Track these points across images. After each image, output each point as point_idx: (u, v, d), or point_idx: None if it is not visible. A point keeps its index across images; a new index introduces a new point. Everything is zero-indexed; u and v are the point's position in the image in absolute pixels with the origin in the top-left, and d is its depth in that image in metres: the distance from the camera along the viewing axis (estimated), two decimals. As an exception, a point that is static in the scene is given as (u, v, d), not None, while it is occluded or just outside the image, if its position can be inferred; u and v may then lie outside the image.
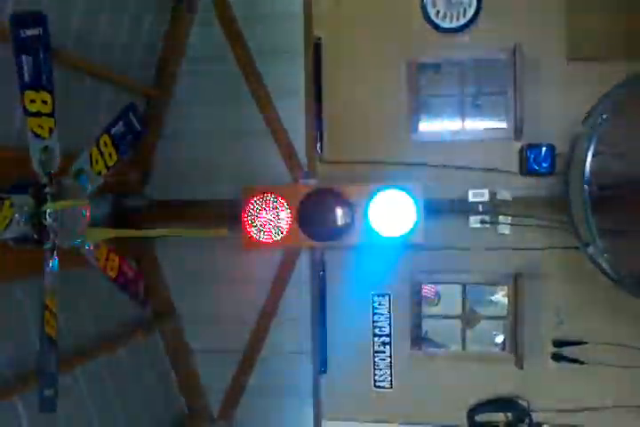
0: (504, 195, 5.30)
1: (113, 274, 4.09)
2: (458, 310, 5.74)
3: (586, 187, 4.24)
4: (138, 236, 5.22)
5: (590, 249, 4.50)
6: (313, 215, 5.30)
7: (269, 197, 5.32)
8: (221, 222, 5.44)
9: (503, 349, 5.70)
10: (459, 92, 5.61)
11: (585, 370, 5.28)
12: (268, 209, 5.33)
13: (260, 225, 5.33)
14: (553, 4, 5.25)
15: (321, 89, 5.71)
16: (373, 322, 5.76)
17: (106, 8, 4.96)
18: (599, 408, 5.29)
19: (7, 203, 3.13)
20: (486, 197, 5.29)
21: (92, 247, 3.93)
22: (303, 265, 5.90)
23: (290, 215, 5.30)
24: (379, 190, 5.14)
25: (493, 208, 5.33)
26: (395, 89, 5.58)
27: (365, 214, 5.15)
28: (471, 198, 5.32)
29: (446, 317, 5.98)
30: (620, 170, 4.36)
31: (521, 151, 5.32)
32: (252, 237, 5.37)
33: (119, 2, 5.09)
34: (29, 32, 3.19)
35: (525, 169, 5.24)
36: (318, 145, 5.75)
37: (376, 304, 5.75)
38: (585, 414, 5.33)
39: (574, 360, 5.30)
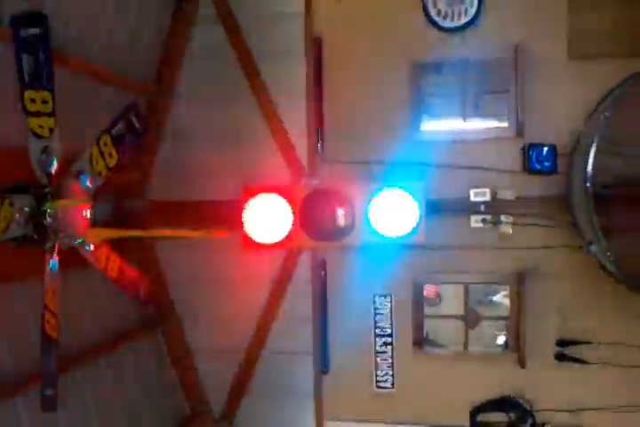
0: (506, 194, 5.28)
1: (114, 274, 4.07)
2: (459, 310, 5.72)
3: (588, 185, 4.22)
4: (138, 236, 5.21)
5: (593, 248, 4.48)
6: (314, 215, 5.26)
7: (269, 196, 5.29)
8: (222, 223, 5.43)
9: (506, 348, 5.69)
10: (460, 92, 5.59)
11: (588, 370, 5.27)
12: (268, 209, 5.30)
13: (260, 225, 5.31)
14: (554, 3, 5.23)
15: (322, 89, 5.70)
16: (375, 322, 5.74)
17: (107, 8, 4.96)
18: (602, 408, 5.27)
19: (7, 203, 3.12)
20: (488, 197, 5.28)
21: (92, 248, 3.91)
22: (304, 265, 5.88)
23: (290, 215, 5.27)
24: (380, 190, 5.10)
25: (495, 207, 5.32)
26: (396, 88, 5.57)
27: (366, 214, 5.12)
28: (473, 198, 5.30)
29: (448, 317, 5.97)
30: (623, 168, 4.35)
31: (523, 150, 5.29)
32: (251, 237, 5.34)
33: (120, 2, 5.09)
34: (30, 31, 3.18)
35: (527, 168, 5.22)
36: (319, 145, 5.74)
37: (378, 305, 5.73)
38: (588, 413, 5.31)
39: (577, 360, 5.29)
